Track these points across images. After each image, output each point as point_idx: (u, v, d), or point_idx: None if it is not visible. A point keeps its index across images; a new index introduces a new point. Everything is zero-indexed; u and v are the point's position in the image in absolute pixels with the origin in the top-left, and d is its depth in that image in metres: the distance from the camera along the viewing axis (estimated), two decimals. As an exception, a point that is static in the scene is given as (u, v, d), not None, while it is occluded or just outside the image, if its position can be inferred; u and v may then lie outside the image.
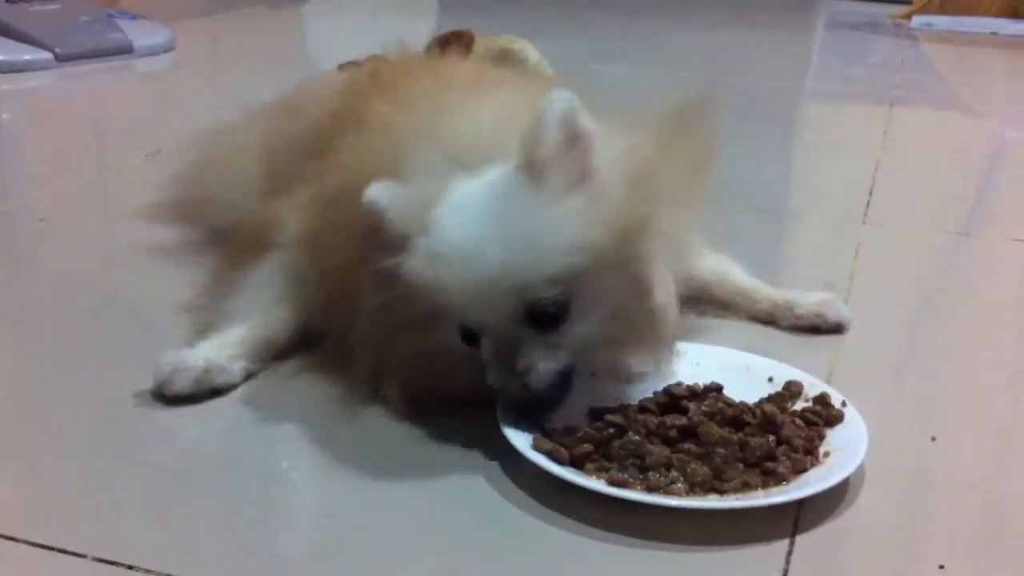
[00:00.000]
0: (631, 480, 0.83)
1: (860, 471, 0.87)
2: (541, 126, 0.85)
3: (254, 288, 1.07)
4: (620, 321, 0.91)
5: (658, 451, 0.86)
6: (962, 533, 0.84)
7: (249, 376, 1.02)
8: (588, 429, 0.89)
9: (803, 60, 3.19)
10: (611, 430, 0.88)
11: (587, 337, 0.90)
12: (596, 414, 0.92)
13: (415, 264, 0.86)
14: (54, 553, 0.77)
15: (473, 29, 1.76)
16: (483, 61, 1.46)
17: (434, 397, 0.95)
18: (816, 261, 1.45)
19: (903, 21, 3.58)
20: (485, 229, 0.85)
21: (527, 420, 0.90)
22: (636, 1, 3.96)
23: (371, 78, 1.22)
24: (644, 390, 0.95)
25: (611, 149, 0.90)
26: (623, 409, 0.92)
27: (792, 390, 0.97)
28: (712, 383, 0.96)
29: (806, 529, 0.81)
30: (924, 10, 3.56)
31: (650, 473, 0.84)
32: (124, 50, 2.61)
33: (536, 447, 0.86)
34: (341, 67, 1.62)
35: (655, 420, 0.89)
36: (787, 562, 0.78)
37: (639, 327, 0.93)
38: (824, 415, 0.92)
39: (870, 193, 1.70)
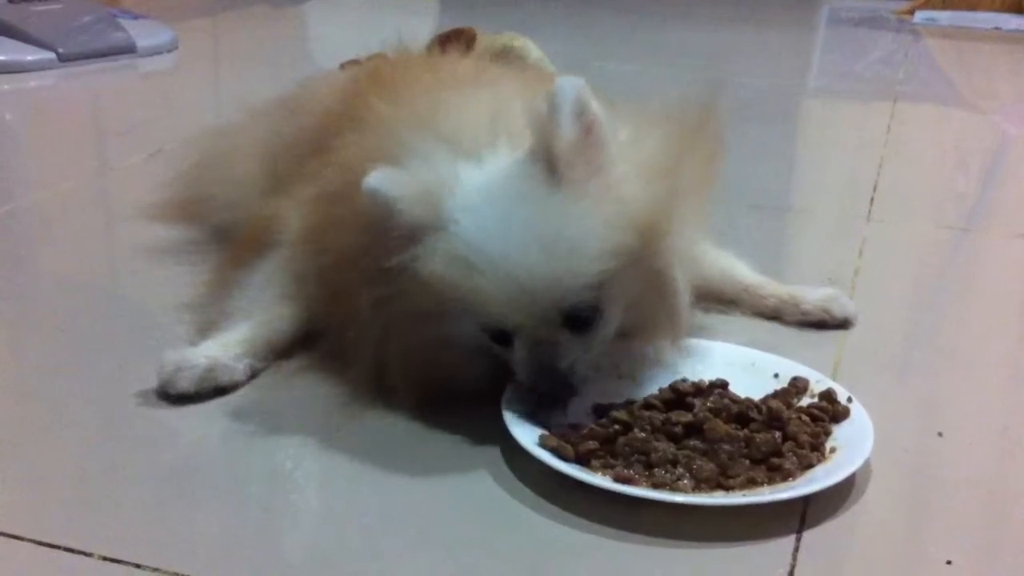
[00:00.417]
0: (637, 476, 0.83)
1: (866, 467, 0.87)
2: (554, 112, 0.84)
3: (257, 286, 1.07)
4: (639, 315, 0.93)
5: (664, 447, 0.86)
6: (969, 529, 0.84)
7: (253, 374, 1.02)
8: (593, 426, 0.89)
9: (805, 57, 3.18)
10: (616, 427, 0.88)
11: (611, 333, 0.92)
12: (601, 411, 0.92)
13: (436, 264, 0.86)
14: (60, 552, 0.77)
15: (474, 27, 1.76)
16: (484, 58, 1.46)
17: (438, 390, 0.94)
18: (820, 257, 1.45)
19: (906, 17, 3.57)
20: (515, 231, 0.85)
21: (550, 408, 0.91)
22: (638, -1, 3.96)
23: (371, 76, 1.22)
24: (649, 386, 0.95)
25: (618, 136, 0.90)
26: (628, 406, 0.92)
27: (798, 386, 0.97)
28: (717, 379, 0.96)
29: (813, 525, 0.81)
30: (927, 6, 3.55)
31: (656, 469, 0.84)
32: (127, 50, 2.61)
33: (542, 444, 0.86)
34: (343, 66, 1.62)
35: (660, 416, 0.89)
36: (794, 558, 0.78)
37: (658, 320, 0.94)
38: (830, 411, 0.92)
39: (874, 189, 1.70)
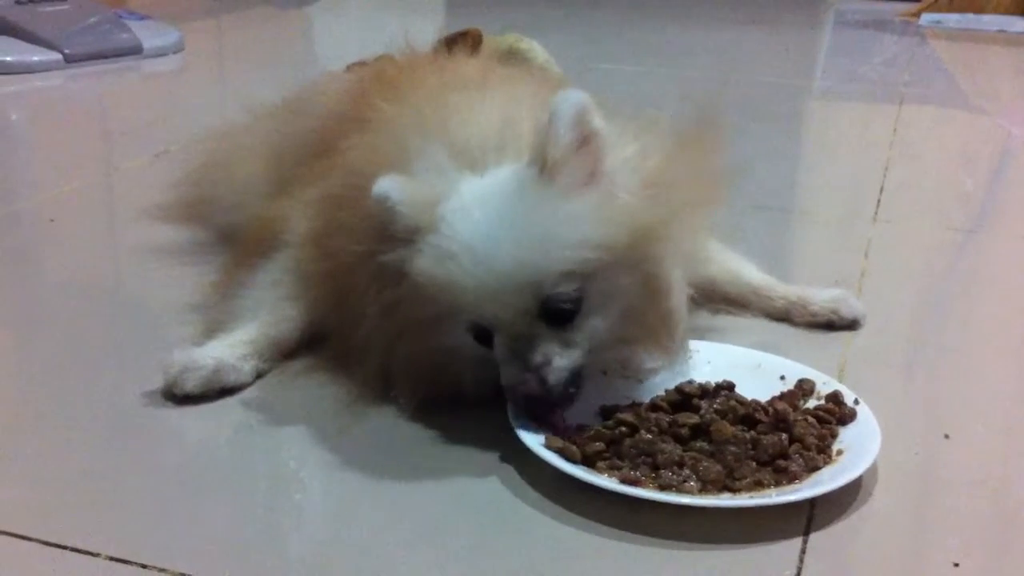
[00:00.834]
0: (643, 478, 0.83)
1: (873, 469, 0.86)
2: (554, 124, 0.85)
3: (262, 287, 1.07)
4: (632, 320, 0.91)
5: (670, 449, 0.85)
6: (976, 531, 0.84)
7: (259, 375, 1.03)
8: (600, 428, 0.89)
9: (811, 58, 3.18)
10: (623, 428, 0.88)
11: (600, 335, 0.90)
12: (607, 412, 0.92)
13: (425, 262, 0.86)
14: (67, 552, 0.77)
15: (480, 28, 1.76)
16: (490, 60, 1.46)
17: (442, 396, 0.95)
18: (826, 259, 1.45)
19: (911, 19, 3.56)
20: (496, 225, 0.85)
21: (538, 418, 0.90)
22: (643, 0, 3.96)
23: (376, 78, 1.22)
24: (655, 388, 0.95)
25: (623, 150, 0.90)
26: (635, 407, 0.91)
27: (804, 388, 0.96)
28: (724, 381, 0.96)
29: (819, 527, 0.81)
30: (932, 8, 3.55)
31: (662, 471, 0.84)
32: (133, 51, 2.62)
33: (548, 446, 0.86)
34: (349, 67, 1.62)
35: (667, 418, 0.89)
36: (800, 560, 0.77)
37: (651, 327, 0.93)
38: (837, 413, 0.92)
39: (880, 191, 1.69)
